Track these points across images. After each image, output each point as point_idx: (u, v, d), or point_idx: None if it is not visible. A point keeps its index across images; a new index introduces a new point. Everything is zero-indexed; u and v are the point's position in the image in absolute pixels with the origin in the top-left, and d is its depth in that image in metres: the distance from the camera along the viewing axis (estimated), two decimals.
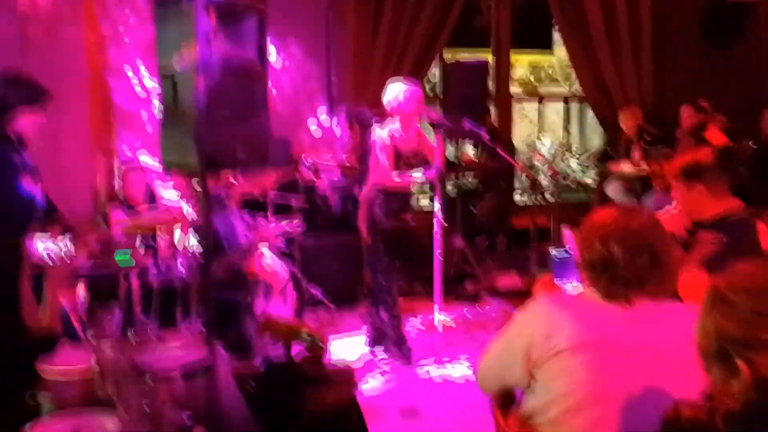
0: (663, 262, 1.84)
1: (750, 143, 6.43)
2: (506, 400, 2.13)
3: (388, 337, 4.66)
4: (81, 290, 3.57)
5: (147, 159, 4.91)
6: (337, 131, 6.47)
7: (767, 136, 6.72)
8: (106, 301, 3.58)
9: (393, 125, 4.48)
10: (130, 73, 5.51)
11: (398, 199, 4.58)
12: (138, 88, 5.57)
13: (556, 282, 2.50)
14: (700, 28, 7.58)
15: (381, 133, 4.49)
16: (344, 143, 6.34)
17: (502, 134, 6.93)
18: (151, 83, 5.57)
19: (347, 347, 4.90)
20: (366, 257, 5.32)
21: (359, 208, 4.70)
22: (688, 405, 1.44)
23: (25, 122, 3.43)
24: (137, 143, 5.61)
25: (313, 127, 6.49)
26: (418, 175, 4.50)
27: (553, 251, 2.58)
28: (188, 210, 4.31)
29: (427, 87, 7.73)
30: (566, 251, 2.54)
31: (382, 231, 4.52)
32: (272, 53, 6.02)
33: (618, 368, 1.79)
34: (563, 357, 1.79)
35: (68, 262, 2.68)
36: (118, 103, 5.48)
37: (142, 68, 5.59)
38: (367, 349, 4.81)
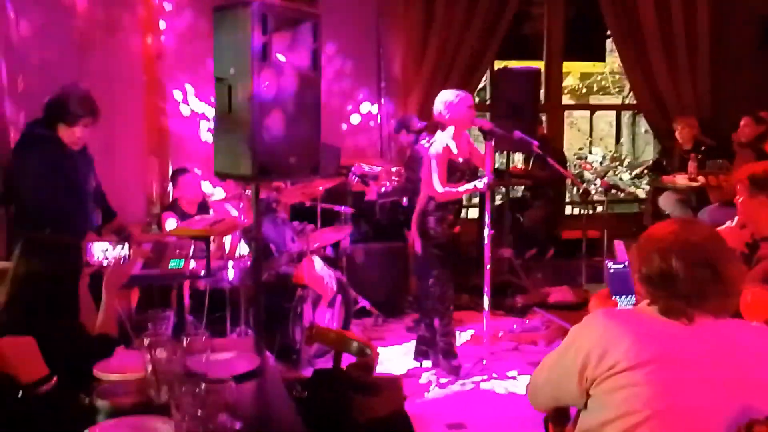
0: (725, 277, 1.78)
1: None
2: (560, 417, 2.09)
3: (438, 349, 4.62)
4: (135, 295, 3.63)
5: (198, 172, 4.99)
6: (387, 139, 6.49)
7: None
8: (159, 306, 3.65)
9: (445, 135, 4.44)
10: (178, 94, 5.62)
11: (451, 209, 4.54)
12: (185, 108, 5.67)
13: (612, 296, 2.44)
14: (758, 37, 7.39)
15: (434, 144, 4.45)
16: (393, 151, 6.34)
17: (552, 144, 6.85)
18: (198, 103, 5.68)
19: (394, 358, 4.89)
20: (415, 267, 5.30)
21: (411, 218, 4.67)
22: (762, 423, 1.39)
23: (67, 134, 3.54)
24: (190, 150, 5.71)
25: (356, 120, 6.52)
26: (478, 184, 4.44)
27: (610, 264, 2.52)
28: (239, 216, 4.36)
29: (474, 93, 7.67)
30: (623, 264, 2.47)
31: (435, 241, 4.49)
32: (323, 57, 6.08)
33: (679, 386, 1.74)
34: (622, 376, 1.74)
35: (125, 266, 2.73)
36: (171, 110, 5.59)
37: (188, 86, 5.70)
38: (413, 360, 4.78)
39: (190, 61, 5.67)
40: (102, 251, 2.68)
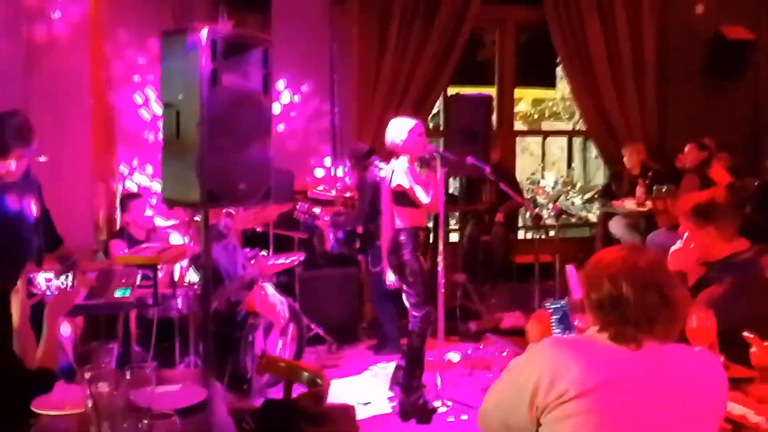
0: (672, 301, 1.81)
1: (754, 181, 6.42)
2: None
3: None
4: (79, 325, 3.52)
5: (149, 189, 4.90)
6: (340, 167, 6.46)
7: None
8: (104, 336, 3.54)
9: (400, 162, 4.43)
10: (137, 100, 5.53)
11: (422, 237, 4.51)
12: (144, 113, 5.59)
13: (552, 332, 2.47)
14: (702, 65, 7.64)
15: (395, 174, 4.41)
16: (347, 179, 6.30)
17: (507, 170, 6.94)
18: (153, 113, 5.60)
19: (348, 386, 4.83)
20: (376, 297, 5.24)
21: (365, 245, 4.64)
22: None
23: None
24: (139, 174, 5.62)
25: (310, 146, 6.50)
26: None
27: (548, 303, 2.57)
28: (188, 243, 4.28)
29: (427, 118, 7.72)
30: (561, 302, 2.52)
31: (414, 271, 4.40)
32: (277, 86, 6.06)
33: (628, 412, 1.75)
34: (571, 404, 1.74)
35: (68, 295, 2.64)
36: (120, 134, 5.50)
37: (148, 95, 5.62)
38: (389, 390, 4.71)
39: (139, 83, 5.60)
40: (45, 281, 2.59)
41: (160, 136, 3.20)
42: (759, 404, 2.34)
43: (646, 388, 1.76)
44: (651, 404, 1.75)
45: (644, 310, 1.79)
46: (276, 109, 6.28)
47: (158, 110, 5.53)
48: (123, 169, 5.56)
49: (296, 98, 6.42)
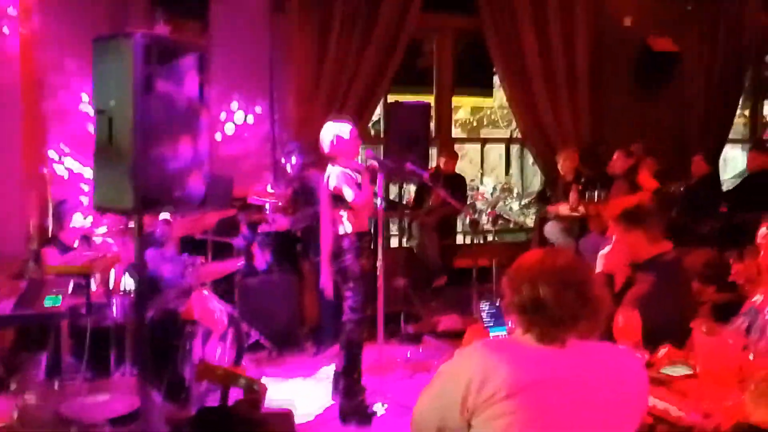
0: (591, 299, 1.87)
1: (680, 187, 6.67)
2: None
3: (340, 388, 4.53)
4: (8, 336, 3.43)
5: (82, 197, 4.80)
6: (280, 172, 6.45)
7: (696, 179, 6.99)
8: (35, 347, 3.45)
9: (337, 167, 4.44)
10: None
11: (366, 241, 4.52)
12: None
13: (486, 330, 2.55)
14: (631, 75, 7.92)
15: (330, 177, 4.42)
16: (285, 182, 6.28)
17: (457, 178, 7.07)
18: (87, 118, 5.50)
19: (288, 391, 4.82)
20: (324, 305, 5.22)
21: (306, 248, 4.62)
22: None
23: None
24: (72, 179, 5.50)
25: (248, 152, 6.47)
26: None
27: (483, 305, 2.67)
28: (122, 250, 4.21)
29: (367, 125, 7.76)
30: (495, 304, 2.62)
31: (355, 276, 4.40)
32: (214, 93, 6.01)
33: (554, 410, 1.79)
34: (501, 405, 1.78)
35: None
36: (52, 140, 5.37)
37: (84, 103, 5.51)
38: (310, 393, 4.71)
39: (73, 90, 5.48)
40: None
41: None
42: (682, 399, 2.45)
43: (571, 385, 1.82)
44: (576, 400, 1.81)
45: (564, 309, 1.85)
46: (213, 115, 6.23)
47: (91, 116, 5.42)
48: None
49: (235, 105, 6.38)
